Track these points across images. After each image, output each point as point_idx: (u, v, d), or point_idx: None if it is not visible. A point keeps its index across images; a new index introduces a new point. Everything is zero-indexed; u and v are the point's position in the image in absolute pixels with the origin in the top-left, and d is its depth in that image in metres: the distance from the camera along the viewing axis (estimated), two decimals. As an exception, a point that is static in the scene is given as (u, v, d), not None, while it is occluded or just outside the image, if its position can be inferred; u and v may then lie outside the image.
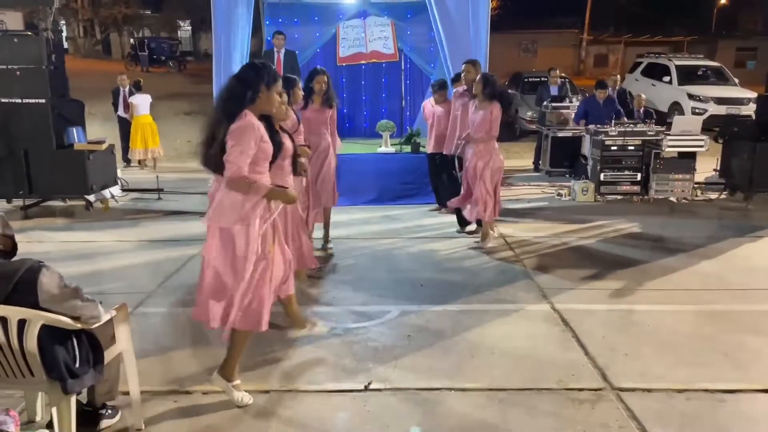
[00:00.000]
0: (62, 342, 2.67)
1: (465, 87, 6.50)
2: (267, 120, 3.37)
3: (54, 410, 2.73)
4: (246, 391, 3.43)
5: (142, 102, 10.71)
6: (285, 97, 4.03)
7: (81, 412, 2.99)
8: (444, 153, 6.90)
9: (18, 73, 7.15)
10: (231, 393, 3.36)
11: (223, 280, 3.25)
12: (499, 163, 6.04)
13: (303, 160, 4.42)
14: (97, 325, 2.81)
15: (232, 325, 3.27)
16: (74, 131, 7.48)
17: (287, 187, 3.53)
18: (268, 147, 3.26)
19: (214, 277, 3.27)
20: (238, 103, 3.18)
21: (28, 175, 7.34)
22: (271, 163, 3.39)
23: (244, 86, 3.20)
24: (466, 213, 6.34)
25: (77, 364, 2.71)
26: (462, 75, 6.60)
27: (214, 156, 3.20)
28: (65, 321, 2.65)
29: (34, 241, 6.40)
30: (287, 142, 3.91)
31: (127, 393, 3.17)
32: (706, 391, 3.47)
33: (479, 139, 5.94)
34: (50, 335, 2.62)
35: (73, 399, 2.75)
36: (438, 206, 7.62)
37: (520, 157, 12.06)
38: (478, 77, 6.04)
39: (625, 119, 8.76)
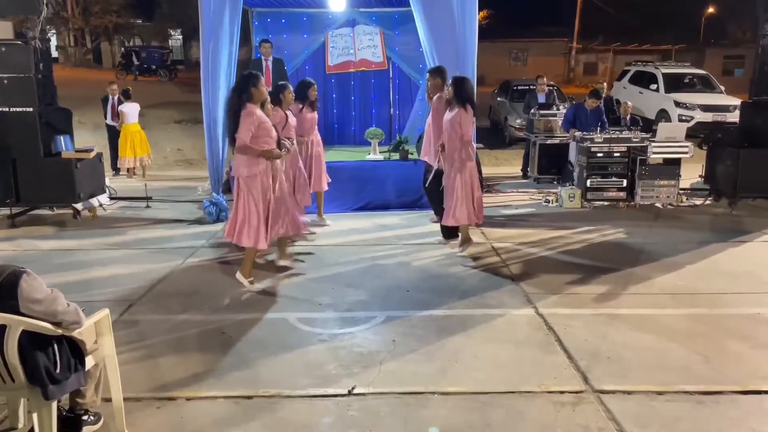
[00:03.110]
0: (43, 348, 2.67)
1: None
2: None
3: (35, 416, 2.73)
4: (229, 397, 3.46)
5: (131, 110, 10.71)
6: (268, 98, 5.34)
7: (63, 419, 3.01)
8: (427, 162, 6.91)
9: (5, 81, 7.16)
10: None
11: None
12: (471, 169, 6.00)
13: (287, 143, 5.82)
14: (78, 330, 2.82)
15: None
16: (62, 139, 7.47)
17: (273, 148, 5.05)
18: (268, 126, 4.98)
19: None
20: (238, 101, 4.92)
21: (16, 183, 7.32)
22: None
23: (240, 90, 4.95)
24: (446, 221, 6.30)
25: (58, 370, 2.71)
26: (427, 84, 6.71)
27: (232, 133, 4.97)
28: (46, 327, 2.66)
29: (21, 250, 6.39)
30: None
31: (109, 399, 3.17)
32: (685, 393, 3.52)
33: (452, 147, 5.94)
34: (31, 341, 2.63)
35: (54, 405, 2.76)
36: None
37: (509, 164, 12.15)
38: (450, 81, 6.09)
39: (609, 129, 8.84)
